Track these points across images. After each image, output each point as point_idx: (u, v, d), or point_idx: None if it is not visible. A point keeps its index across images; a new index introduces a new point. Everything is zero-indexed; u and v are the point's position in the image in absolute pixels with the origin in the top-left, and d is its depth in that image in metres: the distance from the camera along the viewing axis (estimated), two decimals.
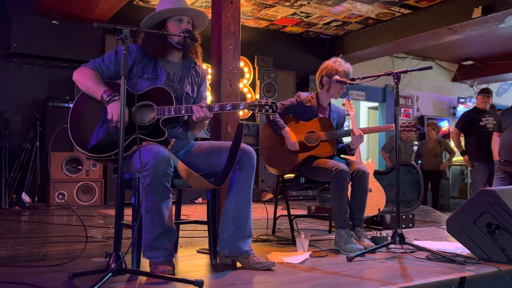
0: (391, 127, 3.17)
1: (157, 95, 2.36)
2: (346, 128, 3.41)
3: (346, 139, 3.38)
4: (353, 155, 3.39)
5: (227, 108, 2.34)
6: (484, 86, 10.05)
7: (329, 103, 3.42)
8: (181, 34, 2.40)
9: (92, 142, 2.31)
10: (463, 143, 5.72)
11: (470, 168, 5.51)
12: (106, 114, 2.29)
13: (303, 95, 3.38)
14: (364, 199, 3.10)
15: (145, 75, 2.43)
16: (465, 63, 9.87)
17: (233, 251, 2.40)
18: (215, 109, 2.36)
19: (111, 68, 2.42)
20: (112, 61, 2.41)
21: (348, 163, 3.15)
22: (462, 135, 5.73)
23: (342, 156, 3.42)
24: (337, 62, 3.30)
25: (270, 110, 2.33)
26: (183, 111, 2.34)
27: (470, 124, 5.52)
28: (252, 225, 2.47)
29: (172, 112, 2.32)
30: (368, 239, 3.03)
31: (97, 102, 2.34)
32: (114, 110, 2.25)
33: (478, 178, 5.43)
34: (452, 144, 9.53)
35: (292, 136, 3.18)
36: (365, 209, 3.13)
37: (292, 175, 3.42)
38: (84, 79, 2.36)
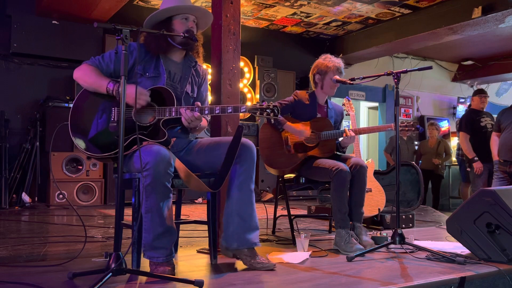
0: (390, 126, 3.17)
1: (158, 95, 2.35)
2: (345, 128, 3.41)
3: None
4: (344, 153, 3.39)
5: (229, 111, 2.33)
6: (484, 86, 10.06)
7: (326, 101, 3.41)
8: (182, 34, 2.40)
9: (92, 141, 2.31)
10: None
11: (478, 173, 5.40)
12: (107, 113, 2.28)
13: (301, 93, 3.38)
14: (362, 192, 3.09)
15: (147, 74, 2.43)
16: (465, 63, 9.87)
17: (242, 244, 2.37)
18: (216, 111, 2.36)
19: (111, 66, 2.41)
20: (112, 60, 2.41)
21: (345, 158, 3.15)
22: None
23: (338, 153, 3.42)
24: (327, 59, 3.31)
25: (272, 114, 2.31)
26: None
27: (471, 125, 5.50)
28: (257, 217, 2.46)
29: (173, 113, 2.32)
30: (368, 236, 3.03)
31: (98, 100, 2.33)
32: (133, 93, 2.21)
33: (477, 178, 5.42)
34: (452, 145, 9.58)
35: (297, 126, 3.16)
36: (363, 202, 3.12)
37: (292, 175, 3.42)
38: (86, 75, 2.36)
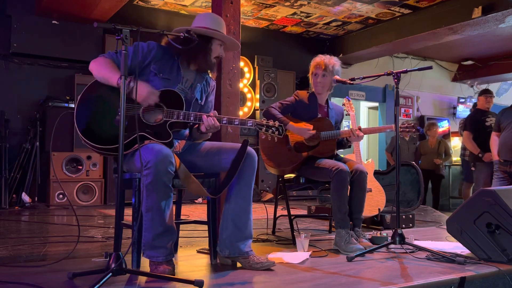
0: (390, 127, 3.17)
1: (168, 98, 2.36)
2: (346, 128, 3.41)
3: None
4: (349, 147, 3.39)
5: (235, 123, 2.40)
6: (484, 86, 10.05)
7: (327, 101, 3.41)
8: (181, 34, 2.39)
9: (96, 132, 2.29)
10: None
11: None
12: (115, 106, 2.27)
13: (302, 93, 3.38)
14: (362, 199, 3.10)
15: (161, 75, 2.44)
16: (465, 63, 9.87)
17: (233, 252, 2.40)
18: (223, 122, 2.39)
19: (128, 61, 2.40)
20: (130, 55, 2.39)
21: (346, 162, 3.15)
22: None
23: (342, 156, 3.42)
24: (315, 58, 3.33)
25: (276, 133, 2.39)
26: (192, 118, 2.35)
27: (476, 125, 5.49)
28: (252, 226, 2.48)
29: (181, 116, 2.33)
30: (366, 239, 3.03)
31: (107, 93, 2.32)
32: (143, 92, 2.24)
33: (480, 178, 5.42)
34: (452, 145, 9.58)
35: (301, 125, 3.13)
36: (363, 208, 3.13)
37: (292, 175, 3.42)
38: (101, 66, 2.34)
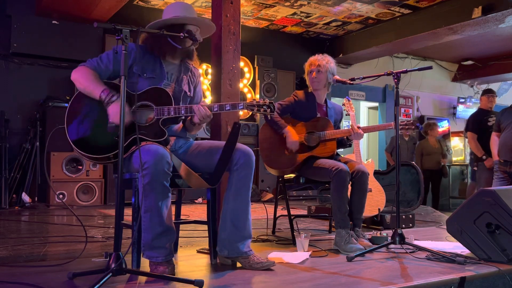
0: (390, 125, 3.18)
1: (155, 95, 2.35)
2: (345, 127, 3.41)
3: None
4: (349, 146, 3.40)
5: (227, 108, 2.37)
6: (484, 86, 10.06)
7: (325, 100, 3.42)
8: (181, 34, 2.39)
9: (90, 143, 2.30)
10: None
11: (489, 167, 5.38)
12: (104, 114, 2.28)
13: (300, 93, 3.38)
14: (363, 199, 3.10)
15: (145, 74, 2.43)
16: (465, 63, 9.87)
17: (232, 253, 2.40)
18: (215, 109, 2.38)
19: (110, 67, 2.39)
20: (111, 60, 2.39)
21: (347, 162, 3.15)
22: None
23: (342, 156, 3.42)
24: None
25: (268, 110, 2.38)
26: (182, 111, 2.35)
27: (478, 125, 5.49)
28: (251, 225, 2.48)
29: (172, 112, 2.33)
30: (366, 239, 3.03)
31: (94, 102, 2.32)
32: (117, 112, 2.21)
33: (482, 178, 5.42)
34: (452, 145, 9.58)
35: (293, 135, 3.17)
36: (363, 209, 3.13)
37: (292, 175, 3.42)
38: (82, 78, 2.33)
